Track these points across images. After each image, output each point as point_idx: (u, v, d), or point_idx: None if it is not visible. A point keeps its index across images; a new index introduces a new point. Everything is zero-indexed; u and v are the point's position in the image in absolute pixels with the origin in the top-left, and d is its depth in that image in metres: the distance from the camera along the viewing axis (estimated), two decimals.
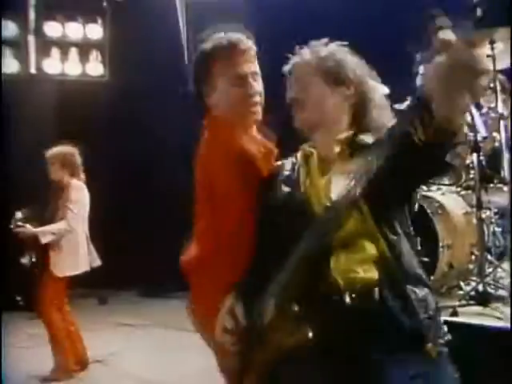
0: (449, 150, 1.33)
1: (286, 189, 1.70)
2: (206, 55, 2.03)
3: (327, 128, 1.66)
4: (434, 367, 1.44)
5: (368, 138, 1.62)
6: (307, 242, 1.44)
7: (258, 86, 2.01)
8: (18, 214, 4.19)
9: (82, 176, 4.50)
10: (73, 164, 4.41)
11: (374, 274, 1.46)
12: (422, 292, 1.48)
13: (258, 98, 2.01)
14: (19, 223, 4.26)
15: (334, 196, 1.48)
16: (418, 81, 3.89)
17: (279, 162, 1.92)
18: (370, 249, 1.48)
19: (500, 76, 3.80)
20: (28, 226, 4.27)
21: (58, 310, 4.27)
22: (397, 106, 1.75)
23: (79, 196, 4.35)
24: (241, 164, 1.87)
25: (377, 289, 1.44)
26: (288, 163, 1.81)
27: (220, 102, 2.02)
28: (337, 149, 1.62)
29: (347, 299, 1.44)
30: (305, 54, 1.71)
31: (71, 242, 4.26)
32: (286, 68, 1.75)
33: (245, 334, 1.60)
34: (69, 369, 4.25)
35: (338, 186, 1.49)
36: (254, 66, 2.03)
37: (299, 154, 1.77)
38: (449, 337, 1.52)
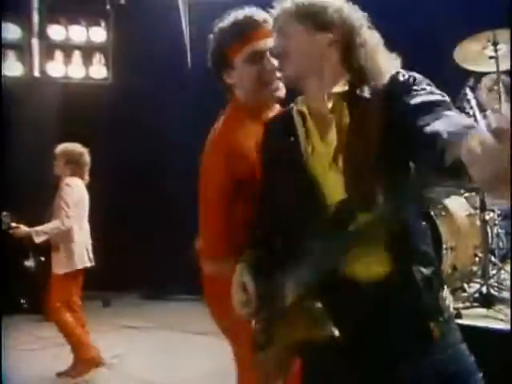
0: None
1: (285, 155, 1.61)
2: (221, 32, 1.97)
3: (316, 78, 1.56)
4: (442, 353, 1.44)
5: (365, 92, 1.52)
6: (322, 253, 1.40)
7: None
8: (7, 216, 4.17)
9: (87, 177, 4.46)
10: (77, 163, 4.38)
11: (386, 263, 1.44)
12: (428, 270, 1.46)
13: (277, 74, 1.88)
14: (13, 224, 4.26)
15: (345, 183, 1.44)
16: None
17: (271, 115, 1.84)
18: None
19: (504, 77, 3.80)
20: (22, 226, 4.28)
21: (66, 309, 4.26)
22: None
23: (72, 193, 4.30)
24: (231, 159, 1.86)
25: (388, 274, 1.43)
26: (280, 122, 1.71)
27: (238, 81, 1.98)
28: (329, 104, 1.53)
29: (363, 289, 1.43)
30: (284, 3, 1.59)
31: (67, 240, 4.27)
32: (271, 22, 1.67)
33: (264, 309, 1.60)
34: (90, 365, 4.27)
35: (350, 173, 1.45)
36: (273, 41, 1.92)
37: (294, 111, 1.64)
38: (452, 314, 1.52)
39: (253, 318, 1.65)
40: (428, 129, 1.26)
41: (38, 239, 4.21)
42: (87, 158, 4.45)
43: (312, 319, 1.43)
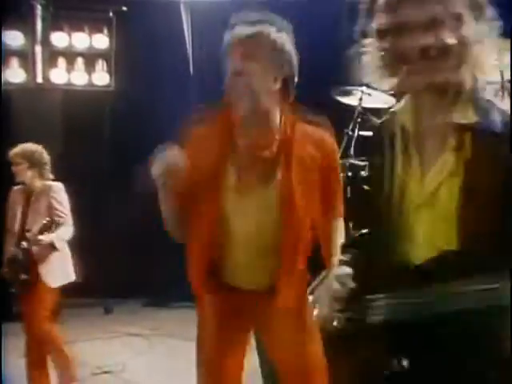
0: None
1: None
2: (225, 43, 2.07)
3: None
4: None
5: (496, 127, 1.34)
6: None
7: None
8: (35, 227, 3.95)
9: (50, 176, 4.18)
10: (41, 163, 4.12)
11: None
12: None
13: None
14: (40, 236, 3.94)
15: None
16: None
17: None
18: None
19: (508, 85, 3.79)
20: (45, 233, 3.92)
21: (51, 322, 4.05)
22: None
23: (66, 198, 4.10)
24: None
25: None
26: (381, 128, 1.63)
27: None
28: (453, 136, 1.38)
29: None
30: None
31: (63, 250, 4.05)
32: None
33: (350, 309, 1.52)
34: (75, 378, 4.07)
35: None
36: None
37: (396, 122, 1.55)
38: None
39: (336, 317, 1.53)
40: None
41: (59, 246, 3.96)
42: (46, 156, 4.19)
43: (391, 350, 1.39)
